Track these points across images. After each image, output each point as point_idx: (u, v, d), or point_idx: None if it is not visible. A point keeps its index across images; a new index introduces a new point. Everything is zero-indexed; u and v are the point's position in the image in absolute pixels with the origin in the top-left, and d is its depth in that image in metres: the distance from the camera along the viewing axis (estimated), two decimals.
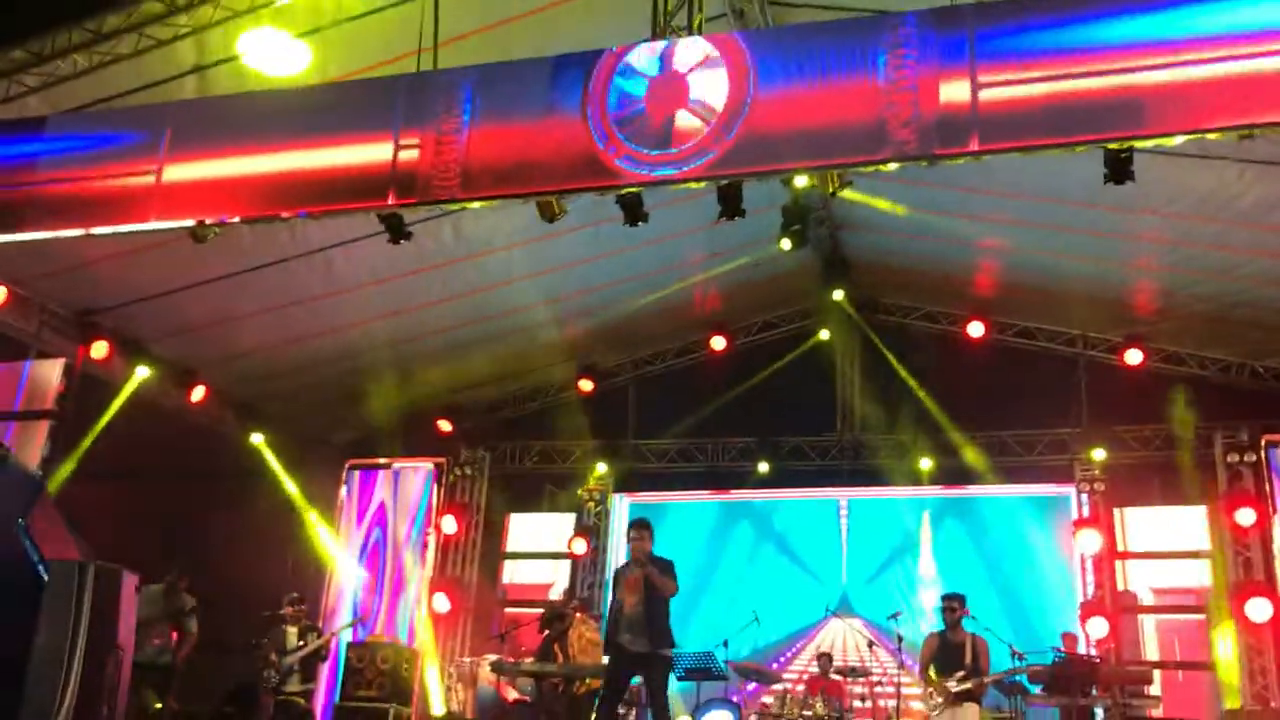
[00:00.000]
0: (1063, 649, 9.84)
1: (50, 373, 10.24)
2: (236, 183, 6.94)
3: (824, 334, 12.91)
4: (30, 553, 3.49)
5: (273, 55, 7.74)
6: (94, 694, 3.47)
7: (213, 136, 7.13)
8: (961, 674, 8.23)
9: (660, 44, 6.69)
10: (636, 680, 8.08)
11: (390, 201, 6.73)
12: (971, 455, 12.26)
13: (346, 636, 11.35)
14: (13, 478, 3.79)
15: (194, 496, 11.96)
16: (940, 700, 8.21)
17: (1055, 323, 12.61)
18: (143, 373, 11.05)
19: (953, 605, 8.48)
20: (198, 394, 11.91)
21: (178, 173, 7.06)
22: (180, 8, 7.87)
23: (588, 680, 9.05)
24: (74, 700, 3.40)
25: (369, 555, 13.25)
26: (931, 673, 8.40)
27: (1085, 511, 11.86)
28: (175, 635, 9.26)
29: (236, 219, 7.07)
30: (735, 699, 10.39)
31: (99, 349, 10.55)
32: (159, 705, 8.59)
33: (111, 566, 3.68)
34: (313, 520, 13.07)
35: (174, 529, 11.77)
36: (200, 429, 12.37)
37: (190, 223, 7.11)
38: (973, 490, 12.50)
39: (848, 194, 8.93)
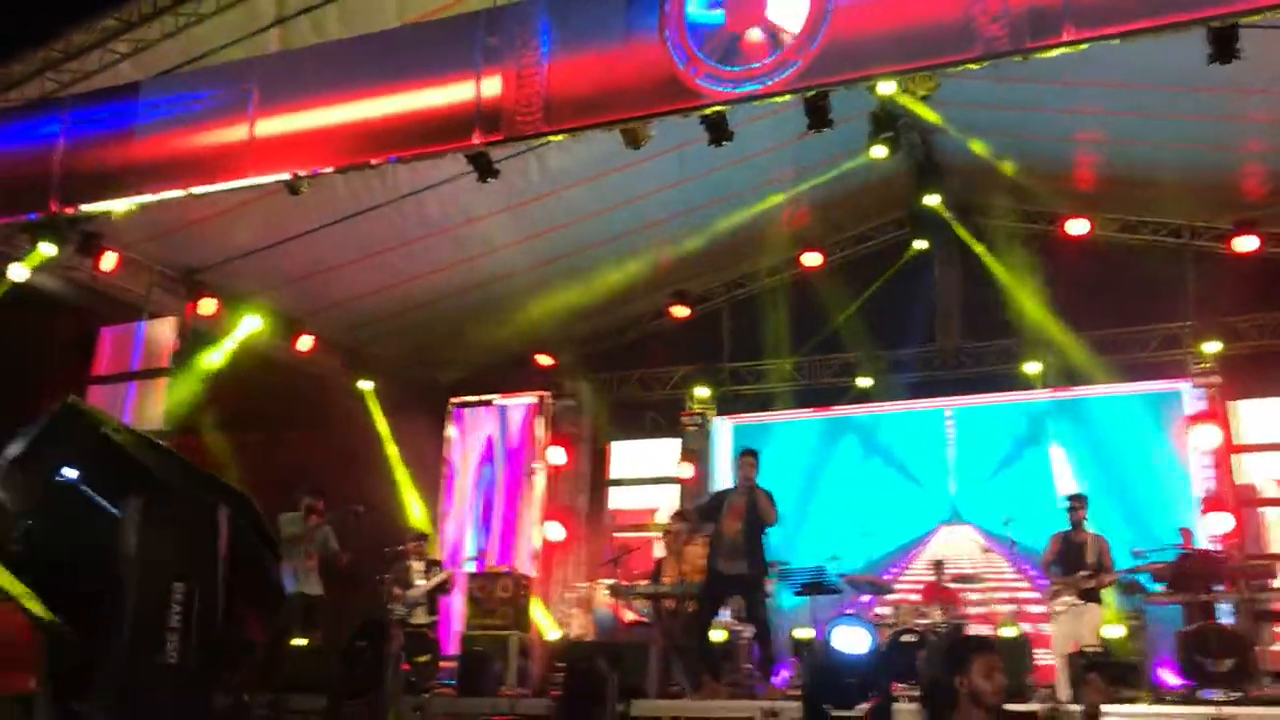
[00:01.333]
0: (1182, 545, 9.67)
1: (163, 332, 10.60)
2: (326, 133, 7.07)
3: (920, 243, 12.68)
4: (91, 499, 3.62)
5: None
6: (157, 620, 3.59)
7: (299, 88, 7.26)
8: (1085, 573, 8.18)
9: None
10: None
11: (476, 140, 6.81)
12: (1079, 356, 12.00)
13: (468, 569, 11.71)
14: (63, 425, 3.90)
15: (312, 443, 12.32)
16: (1067, 598, 8.17)
17: (1160, 214, 12.18)
18: (253, 323, 11.35)
19: (1075, 505, 8.41)
20: (305, 343, 12.23)
21: (269, 127, 7.21)
22: None
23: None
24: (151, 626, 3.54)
25: (481, 490, 13.57)
26: (1053, 572, 8.36)
27: (1201, 406, 11.56)
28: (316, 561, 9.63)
29: (329, 169, 7.20)
30: (850, 611, 10.46)
31: (207, 306, 10.89)
32: (304, 638, 8.92)
33: (163, 499, 3.77)
34: (423, 460, 13.40)
35: (294, 474, 12.17)
36: (310, 377, 12.72)
37: (285, 176, 7.28)
38: (1082, 391, 12.24)
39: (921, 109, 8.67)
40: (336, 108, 7.09)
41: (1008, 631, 9.36)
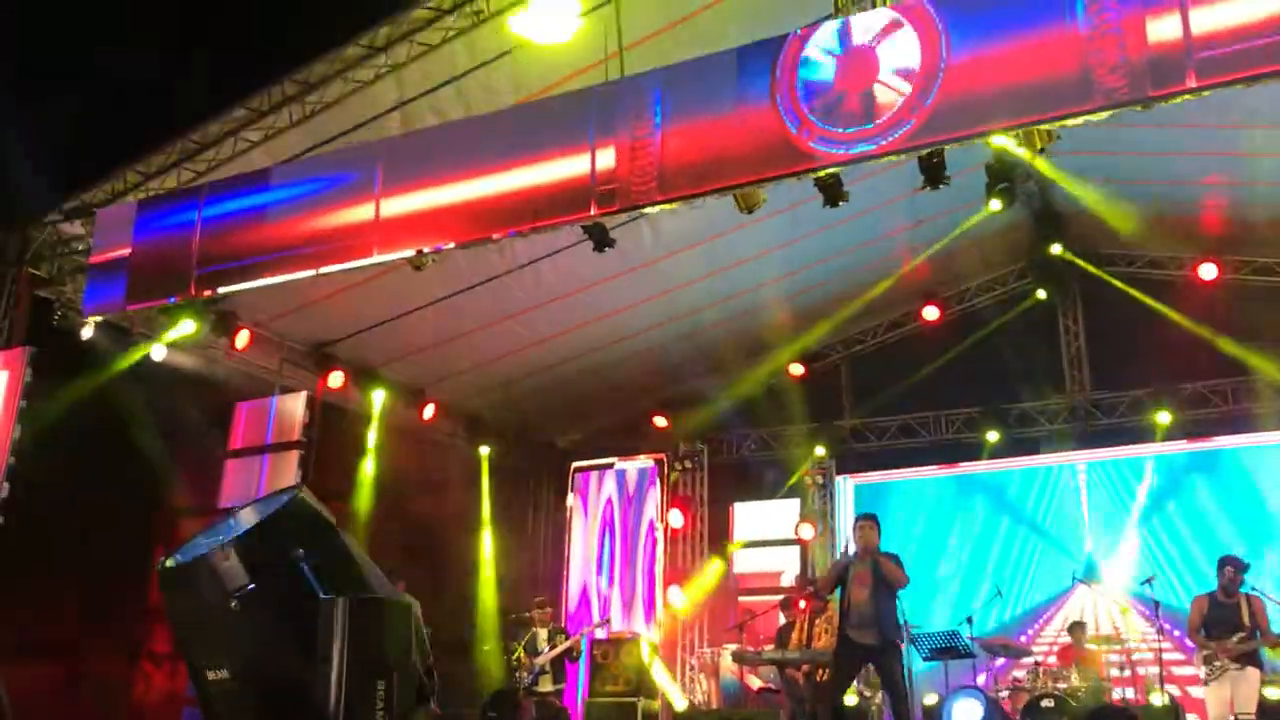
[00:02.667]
0: None
1: (295, 406, 10.96)
2: (448, 210, 7.25)
3: (1041, 293, 12.41)
4: (311, 585, 3.73)
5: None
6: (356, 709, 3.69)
7: (421, 168, 7.47)
8: (1241, 635, 7.80)
9: (847, 19, 6.60)
10: None
11: (593, 212, 6.90)
12: (1215, 405, 11.54)
13: (596, 635, 11.71)
14: (295, 511, 4.07)
15: (430, 508, 12.53)
16: (1220, 663, 7.79)
17: None
18: (380, 396, 11.66)
19: (1229, 568, 8.02)
20: (429, 412, 12.50)
21: (393, 206, 7.43)
22: (379, 48, 8.28)
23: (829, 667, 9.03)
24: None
25: (602, 553, 13.59)
26: (1201, 637, 7.98)
27: None
28: None
29: (452, 245, 7.38)
30: (984, 675, 10.15)
31: (335, 379, 11.23)
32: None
33: (372, 596, 3.91)
34: (540, 524, 13.52)
35: (417, 542, 12.39)
36: (433, 444, 12.98)
37: (410, 253, 7.49)
38: (1221, 442, 11.75)
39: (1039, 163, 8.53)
40: (457, 185, 7.27)
41: (1156, 699, 8.95)
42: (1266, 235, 11.37)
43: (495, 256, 10.14)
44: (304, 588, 3.75)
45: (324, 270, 7.70)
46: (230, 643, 3.89)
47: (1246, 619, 7.84)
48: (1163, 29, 5.63)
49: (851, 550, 7.83)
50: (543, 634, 10.17)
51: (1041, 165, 9.91)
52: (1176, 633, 10.29)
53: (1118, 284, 12.09)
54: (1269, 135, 9.19)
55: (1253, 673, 7.78)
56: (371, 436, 11.66)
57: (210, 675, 3.93)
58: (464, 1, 7.95)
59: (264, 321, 10.65)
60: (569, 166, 6.94)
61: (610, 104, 7.04)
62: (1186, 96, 5.72)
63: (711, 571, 13.34)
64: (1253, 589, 8.09)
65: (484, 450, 13.41)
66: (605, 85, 7.25)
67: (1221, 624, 7.91)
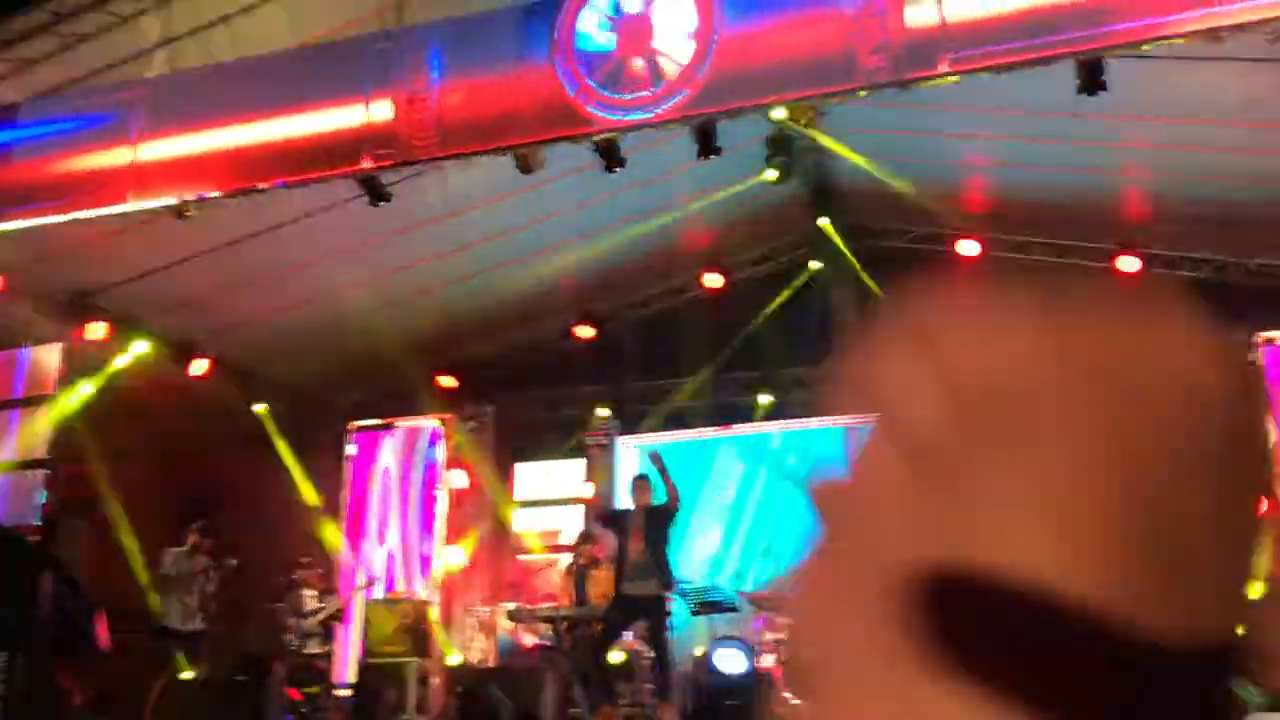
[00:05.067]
0: None
1: (49, 358, 10.31)
2: (212, 158, 6.97)
3: (814, 263, 12.91)
4: None
5: None
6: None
7: (185, 112, 7.15)
8: None
9: None
10: None
11: (366, 164, 6.77)
12: None
13: (371, 595, 11.56)
14: None
15: (207, 468, 12.07)
16: None
17: (1048, 235, 12.56)
18: (140, 347, 11.10)
19: None
20: (199, 367, 11.98)
21: (152, 151, 7.09)
22: None
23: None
24: None
25: (382, 514, 13.40)
26: None
27: None
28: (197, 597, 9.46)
29: (215, 194, 7.10)
30: (755, 628, 10.57)
31: (95, 330, 10.60)
32: (191, 672, 8.76)
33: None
34: (319, 485, 13.22)
35: (192, 502, 11.91)
36: (207, 401, 12.45)
37: (170, 200, 7.15)
38: None
39: (816, 134, 8.88)
40: (222, 131, 6.99)
41: None
42: (1021, 215, 12.14)
43: (272, 206, 9.77)
44: None
45: (75, 216, 7.28)
46: None
47: None
48: (920, 14, 5.92)
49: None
50: (311, 595, 9.97)
51: (819, 136, 10.27)
52: None
53: (883, 258, 12.65)
54: (1027, 121, 9.81)
55: None
56: (135, 391, 11.07)
57: None
58: None
59: (15, 267, 9.94)
60: (342, 116, 6.79)
61: (388, 55, 6.90)
62: (940, 81, 6.05)
63: (492, 530, 13.37)
64: None
65: (259, 407, 12.95)
66: (383, 35, 7.10)
67: None
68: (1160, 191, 11.02)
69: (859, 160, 11.21)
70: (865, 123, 10.51)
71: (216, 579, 9.70)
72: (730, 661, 7.77)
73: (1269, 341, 10.93)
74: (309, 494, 13.05)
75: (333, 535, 13.06)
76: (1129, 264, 11.81)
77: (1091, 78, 6.00)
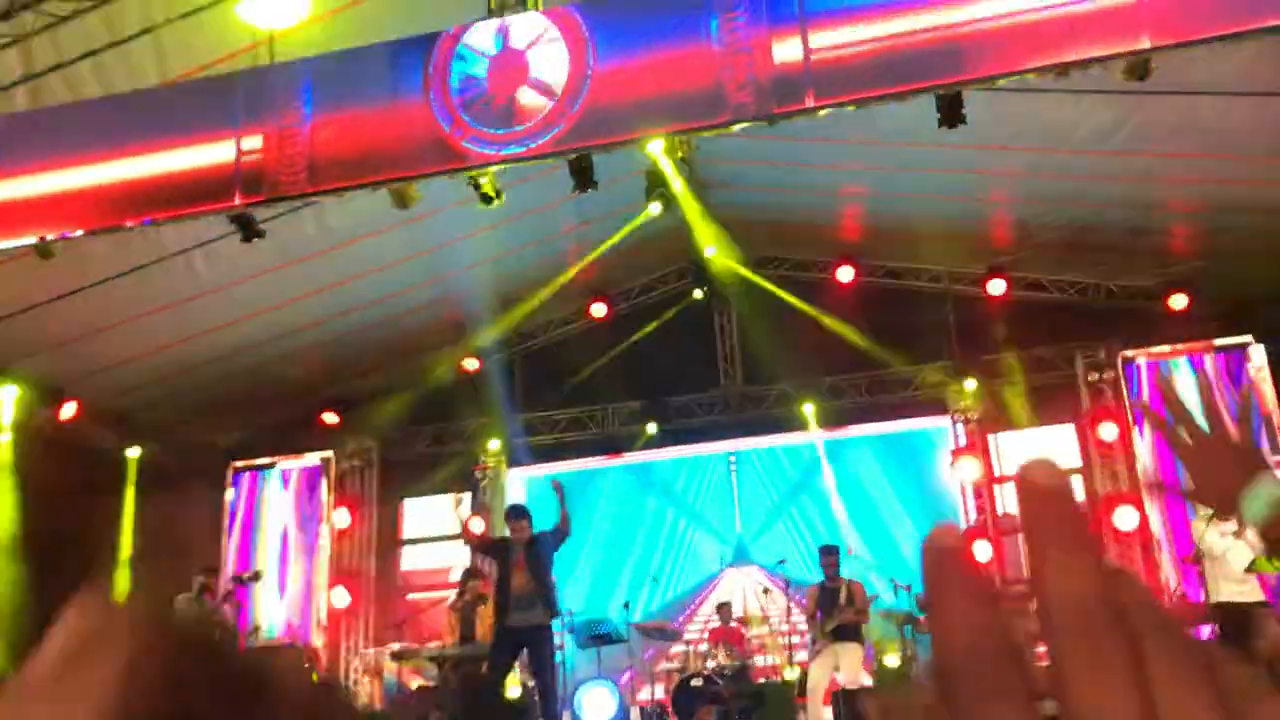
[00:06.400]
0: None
1: None
2: (75, 195, 6.79)
3: (698, 292, 13.10)
4: None
5: None
6: None
7: (46, 149, 6.95)
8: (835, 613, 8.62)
9: (497, 21, 6.71)
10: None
11: (237, 201, 6.67)
12: (850, 397, 12.60)
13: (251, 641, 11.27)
14: None
15: (79, 516, 11.63)
16: (819, 643, 8.58)
17: (920, 261, 12.95)
18: (10, 392, 10.70)
19: (826, 557, 8.93)
20: (68, 411, 11.58)
21: (12, 189, 6.87)
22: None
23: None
24: None
25: (268, 557, 13.07)
26: (814, 621, 8.79)
27: (962, 441, 12.30)
28: None
29: (80, 232, 6.91)
30: (646, 658, 10.59)
31: None
32: None
33: None
34: (200, 528, 12.86)
35: (62, 550, 11.47)
36: (76, 446, 12.03)
37: (31, 239, 6.94)
38: (854, 430, 12.84)
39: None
40: (87, 168, 6.81)
41: (790, 673, 9.66)
42: (894, 242, 12.51)
43: (141, 244, 9.52)
44: None
45: None
46: None
47: (844, 600, 8.70)
48: (786, 51, 6.09)
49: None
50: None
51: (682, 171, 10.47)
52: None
53: (767, 285, 12.91)
54: (901, 151, 10.13)
55: (853, 647, 8.63)
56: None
57: None
58: None
59: None
60: (211, 153, 6.68)
61: (259, 90, 6.82)
62: (806, 115, 6.22)
63: (378, 570, 13.16)
64: (868, 570, 8.99)
65: (132, 453, 12.55)
66: (254, 70, 7.02)
67: (828, 608, 8.74)
68: (1024, 218, 11.47)
69: (728, 199, 11.41)
70: (741, 154, 10.74)
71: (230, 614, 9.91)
72: (598, 701, 7.79)
73: (1127, 360, 11.42)
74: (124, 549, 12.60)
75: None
76: (996, 287, 12.25)
77: (951, 110, 6.24)
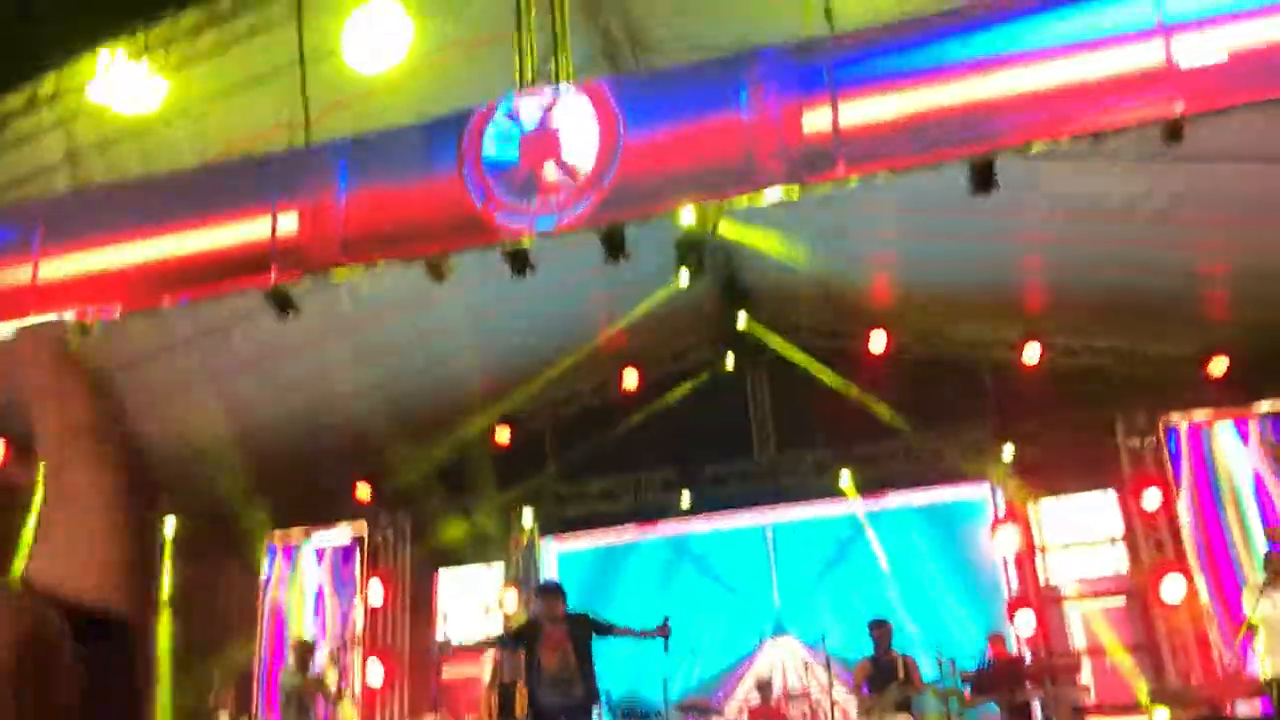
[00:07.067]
0: (989, 651, 10.01)
1: None
2: (114, 274, 6.88)
3: (730, 361, 13.06)
4: None
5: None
6: None
7: (87, 228, 7.07)
8: (893, 688, 8.43)
9: (529, 97, 6.78)
10: None
11: (273, 276, 6.72)
12: (887, 465, 12.46)
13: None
14: None
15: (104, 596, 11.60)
16: (875, 715, 8.37)
17: (955, 327, 12.85)
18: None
19: (878, 630, 8.75)
20: None
21: (53, 269, 6.97)
22: (43, 101, 7.77)
23: None
24: None
25: (307, 630, 13.01)
26: (863, 693, 8.61)
27: (1001, 509, 12.10)
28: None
29: (118, 311, 6.98)
30: None
31: None
32: None
33: None
34: (233, 604, 12.84)
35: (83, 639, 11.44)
36: None
37: (69, 316, 7.02)
38: (892, 500, 12.67)
39: (728, 228, 9.09)
40: (125, 247, 6.91)
41: None
42: (927, 309, 12.44)
43: (179, 321, 9.64)
44: None
45: None
46: None
47: (901, 675, 8.53)
48: (816, 120, 6.11)
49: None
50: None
51: (732, 227, 10.46)
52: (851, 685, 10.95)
53: (798, 354, 12.86)
54: (931, 218, 10.11)
55: (904, 718, 8.43)
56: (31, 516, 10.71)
57: None
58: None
59: None
60: (248, 230, 6.76)
61: (295, 168, 6.92)
62: (838, 183, 6.22)
63: (413, 643, 13.05)
64: (905, 650, 8.83)
65: (167, 528, 12.59)
66: (289, 150, 7.12)
67: (881, 682, 8.57)
68: (1058, 284, 11.38)
69: (775, 247, 11.38)
70: (770, 223, 10.75)
71: (326, 690, 10.09)
72: None
73: (1168, 425, 11.24)
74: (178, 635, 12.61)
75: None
76: (1031, 353, 12.12)
77: (982, 177, 6.21)
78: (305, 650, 10.20)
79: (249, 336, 10.17)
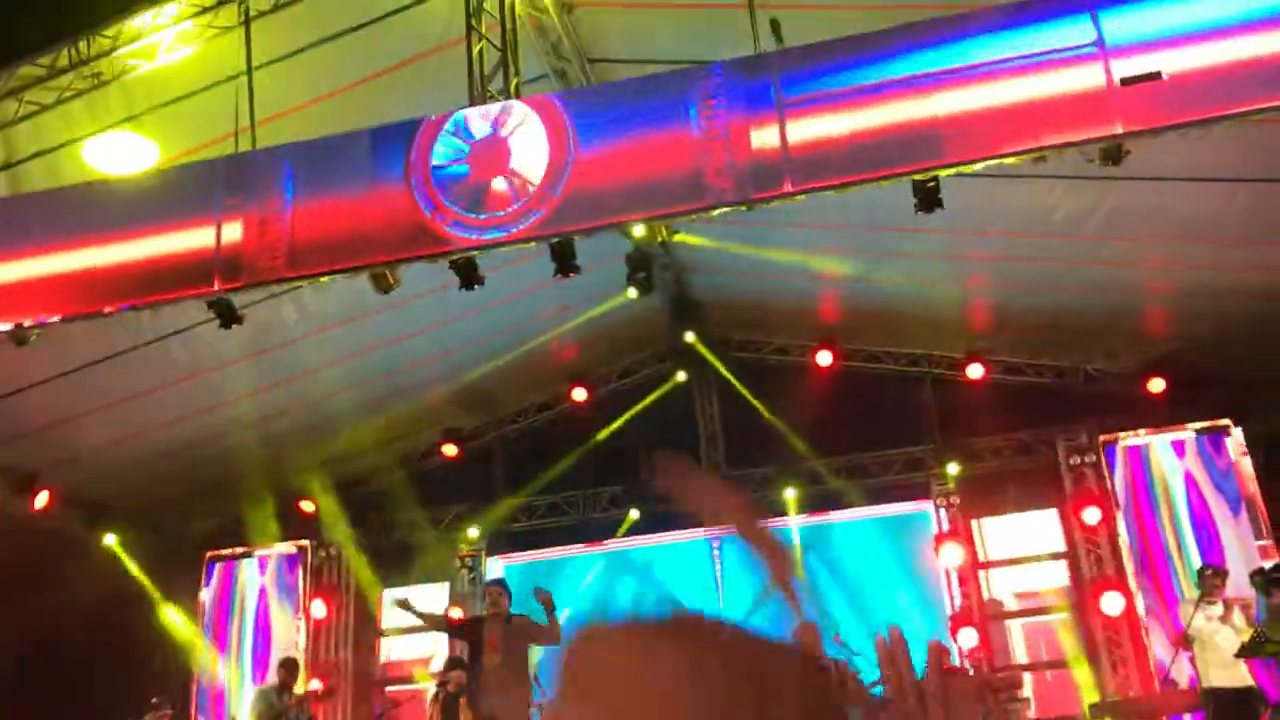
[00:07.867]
0: (928, 658, 10.05)
1: None
2: (53, 281, 6.76)
3: (680, 376, 13.08)
4: None
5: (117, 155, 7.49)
6: None
7: (24, 236, 6.93)
8: None
9: (479, 109, 6.77)
10: None
11: (216, 287, 6.64)
12: (832, 481, 12.54)
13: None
14: None
15: (51, 606, 11.36)
16: None
17: (899, 344, 12.98)
18: None
19: (805, 637, 8.75)
20: (41, 500, 11.39)
21: None
22: None
23: None
24: None
25: (237, 648, 12.79)
26: None
27: (945, 526, 12.22)
28: None
29: (57, 319, 6.86)
30: None
31: None
32: None
33: None
34: (173, 619, 12.62)
35: (45, 643, 11.19)
36: (49, 535, 11.81)
37: (7, 326, 6.89)
38: (836, 515, 12.75)
39: (682, 237, 9.14)
40: (66, 254, 6.79)
41: None
42: (873, 326, 12.56)
43: (118, 330, 9.47)
44: None
45: None
46: None
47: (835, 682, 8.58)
48: (764, 137, 6.16)
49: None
50: None
51: (685, 238, 10.51)
52: None
53: (743, 370, 12.93)
54: (880, 236, 10.21)
55: None
56: None
57: None
58: (80, 63, 7.50)
59: None
60: (191, 238, 6.67)
61: (239, 176, 6.85)
62: (785, 200, 6.27)
63: (356, 661, 12.88)
64: (855, 654, 8.85)
65: (110, 538, 12.36)
66: (235, 157, 7.05)
67: None
68: (1001, 302, 11.54)
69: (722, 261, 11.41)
70: (720, 237, 10.80)
71: (308, 711, 10.01)
72: None
73: (1108, 443, 11.41)
74: (169, 622, 12.52)
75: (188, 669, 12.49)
76: (975, 371, 12.28)
77: (928, 196, 6.30)
78: (292, 668, 10.13)
79: (188, 347, 10.02)
